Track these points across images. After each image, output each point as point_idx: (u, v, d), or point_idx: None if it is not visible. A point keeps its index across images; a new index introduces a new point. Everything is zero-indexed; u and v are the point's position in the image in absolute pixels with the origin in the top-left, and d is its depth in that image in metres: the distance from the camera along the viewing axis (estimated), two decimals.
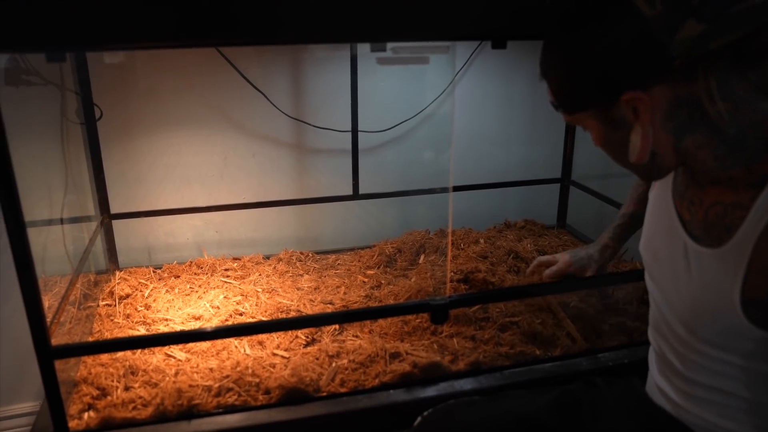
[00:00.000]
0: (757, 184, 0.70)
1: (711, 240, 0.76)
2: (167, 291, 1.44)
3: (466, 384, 1.14)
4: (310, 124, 1.67)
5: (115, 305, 1.36)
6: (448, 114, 1.74)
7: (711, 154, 0.72)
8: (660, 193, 0.89)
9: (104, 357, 1.14)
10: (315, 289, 1.45)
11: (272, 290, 1.43)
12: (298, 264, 1.60)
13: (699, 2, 0.63)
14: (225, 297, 1.40)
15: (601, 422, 0.96)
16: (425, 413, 1.04)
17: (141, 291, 1.43)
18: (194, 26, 0.79)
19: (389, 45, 0.88)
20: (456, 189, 1.78)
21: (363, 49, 1.55)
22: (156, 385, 1.08)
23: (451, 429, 0.99)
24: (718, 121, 0.69)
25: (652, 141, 0.73)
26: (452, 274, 1.41)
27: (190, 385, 1.06)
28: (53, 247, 1.31)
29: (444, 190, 1.70)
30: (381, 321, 1.29)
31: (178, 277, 1.53)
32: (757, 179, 0.70)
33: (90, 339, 1.22)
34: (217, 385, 1.07)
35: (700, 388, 0.81)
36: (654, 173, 0.80)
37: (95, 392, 1.06)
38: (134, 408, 1.02)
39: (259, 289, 1.43)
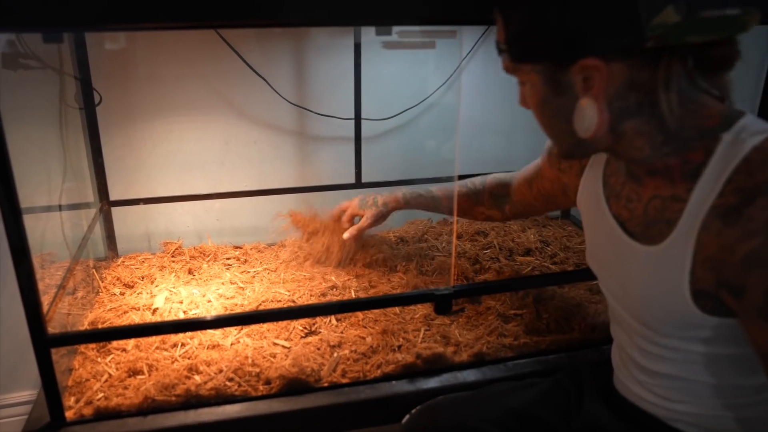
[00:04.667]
0: (692, 176, 0.71)
1: (653, 236, 0.76)
2: (175, 276, 1.43)
3: (469, 375, 1.12)
4: (312, 111, 1.64)
5: (114, 292, 1.34)
6: (454, 101, 1.71)
7: (648, 141, 0.73)
8: (591, 201, 0.88)
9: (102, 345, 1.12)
10: (311, 278, 1.43)
11: (272, 279, 1.41)
12: (299, 252, 1.58)
13: None
14: (223, 284, 1.38)
15: (582, 412, 0.96)
16: (413, 411, 1.02)
17: (140, 278, 1.41)
18: (195, 6, 0.77)
19: (395, 29, 0.85)
20: (461, 178, 1.75)
21: (367, 35, 1.52)
22: (154, 374, 1.06)
23: (441, 426, 0.97)
24: (666, 112, 0.69)
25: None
26: (457, 263, 1.39)
27: (189, 375, 1.05)
28: (51, 233, 1.29)
29: (449, 179, 1.67)
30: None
31: (178, 263, 1.51)
32: (691, 169, 0.71)
33: (88, 327, 1.20)
34: (216, 374, 1.05)
35: (661, 378, 0.82)
36: (577, 150, 0.79)
37: (93, 381, 1.04)
38: (132, 397, 1.01)
39: (259, 278, 1.42)
